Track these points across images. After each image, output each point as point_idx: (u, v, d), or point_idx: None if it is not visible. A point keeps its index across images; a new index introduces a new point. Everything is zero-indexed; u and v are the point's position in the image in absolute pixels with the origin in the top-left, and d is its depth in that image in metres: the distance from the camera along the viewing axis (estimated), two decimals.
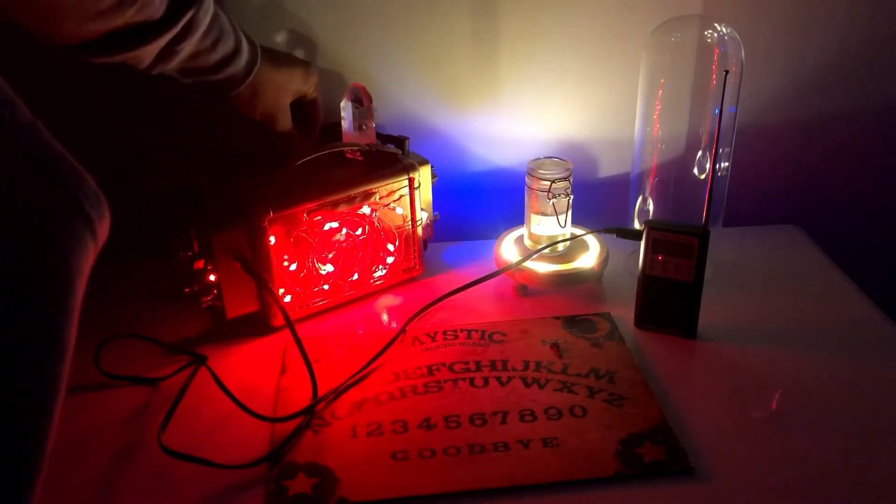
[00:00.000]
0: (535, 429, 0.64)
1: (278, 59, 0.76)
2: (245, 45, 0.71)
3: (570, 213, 0.83)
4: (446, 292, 0.82)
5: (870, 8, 0.91)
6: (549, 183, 0.80)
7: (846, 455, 0.62)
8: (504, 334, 0.77)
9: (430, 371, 0.72)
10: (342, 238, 0.80)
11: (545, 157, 0.84)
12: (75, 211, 0.38)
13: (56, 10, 0.56)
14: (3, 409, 0.35)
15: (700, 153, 0.82)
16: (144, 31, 0.61)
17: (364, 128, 0.80)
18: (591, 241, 0.86)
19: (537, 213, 0.83)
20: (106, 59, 0.63)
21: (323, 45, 0.87)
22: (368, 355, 0.73)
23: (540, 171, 0.80)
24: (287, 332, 0.73)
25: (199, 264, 0.73)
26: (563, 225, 0.83)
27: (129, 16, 0.59)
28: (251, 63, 0.72)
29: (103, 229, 0.40)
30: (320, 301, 0.81)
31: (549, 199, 0.81)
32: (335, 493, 0.59)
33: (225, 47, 0.69)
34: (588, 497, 0.59)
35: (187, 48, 0.65)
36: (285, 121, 0.78)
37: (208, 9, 0.65)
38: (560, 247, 0.84)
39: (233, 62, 0.70)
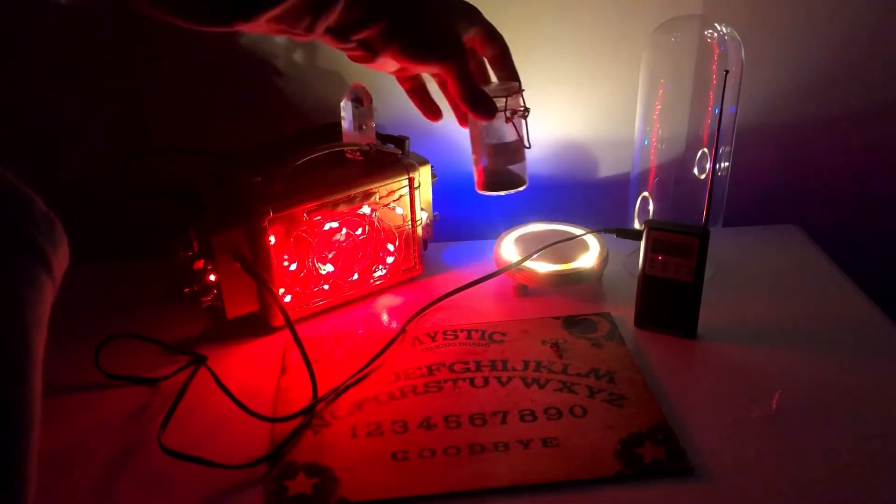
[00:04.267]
0: (535, 429, 0.65)
1: None
2: None
3: (528, 130, 0.78)
4: (446, 292, 0.82)
5: (869, 8, 0.91)
6: (504, 100, 0.75)
7: (846, 455, 0.62)
8: (504, 334, 0.77)
9: (430, 371, 0.72)
10: (342, 238, 0.80)
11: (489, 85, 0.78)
12: (26, 248, 0.31)
13: None
14: None
15: (700, 153, 0.82)
16: None
17: (364, 128, 0.80)
18: (591, 240, 0.86)
19: (495, 142, 0.78)
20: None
21: (322, 45, 0.86)
22: (368, 355, 0.73)
23: (492, 96, 0.73)
24: (287, 332, 0.73)
25: (199, 264, 0.73)
26: (528, 145, 0.78)
27: None
28: None
29: (60, 259, 0.33)
30: (320, 301, 0.81)
31: (507, 120, 0.76)
32: (335, 493, 0.59)
33: None
34: (588, 497, 0.59)
35: None
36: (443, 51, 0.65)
37: None
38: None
39: None
